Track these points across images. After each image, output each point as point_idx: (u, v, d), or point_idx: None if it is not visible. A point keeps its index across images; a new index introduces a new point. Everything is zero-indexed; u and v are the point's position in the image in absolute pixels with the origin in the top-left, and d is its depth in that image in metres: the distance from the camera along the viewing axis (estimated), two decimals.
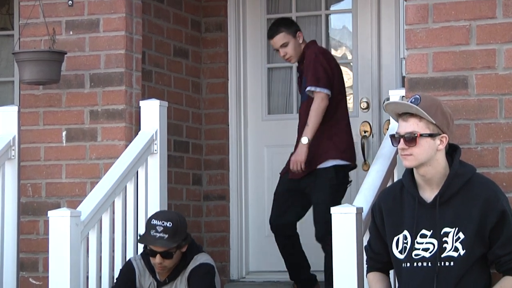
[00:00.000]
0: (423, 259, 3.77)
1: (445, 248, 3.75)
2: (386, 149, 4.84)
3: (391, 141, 3.95)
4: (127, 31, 5.91)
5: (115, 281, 5.12)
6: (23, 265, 5.88)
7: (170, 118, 6.10)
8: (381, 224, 3.98)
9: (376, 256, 4.02)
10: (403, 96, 4.80)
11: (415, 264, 3.79)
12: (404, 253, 3.83)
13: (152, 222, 4.93)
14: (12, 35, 7.44)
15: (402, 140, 3.82)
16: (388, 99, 5.05)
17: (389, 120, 5.42)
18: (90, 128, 5.91)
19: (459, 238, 3.75)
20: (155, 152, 5.68)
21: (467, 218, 3.77)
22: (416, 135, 3.80)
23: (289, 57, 6.06)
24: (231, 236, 6.94)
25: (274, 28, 6.06)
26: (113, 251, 5.30)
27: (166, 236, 4.87)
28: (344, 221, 4.25)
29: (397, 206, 3.91)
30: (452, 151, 3.94)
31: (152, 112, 5.74)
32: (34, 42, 5.98)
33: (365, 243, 4.22)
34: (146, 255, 5.02)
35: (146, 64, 6.32)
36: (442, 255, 3.75)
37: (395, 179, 4.83)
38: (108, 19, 5.92)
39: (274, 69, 7.13)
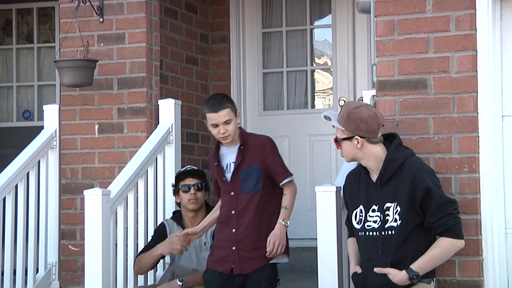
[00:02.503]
0: (373, 229, 3.90)
1: (388, 220, 3.86)
2: None
3: None
4: (147, 43, 5.90)
5: (149, 239, 5.18)
6: (64, 235, 5.88)
7: (183, 114, 6.10)
8: (347, 200, 4.13)
9: (350, 225, 4.13)
10: (373, 95, 4.80)
11: (367, 233, 3.92)
12: (360, 224, 3.95)
13: (184, 168, 5.24)
14: (54, 46, 7.42)
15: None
16: (361, 98, 5.05)
17: None
18: (117, 123, 5.90)
19: (397, 211, 3.85)
20: (171, 142, 5.67)
21: (401, 194, 3.86)
22: (335, 140, 4.04)
23: (227, 136, 4.46)
24: None
25: (220, 101, 4.49)
26: (137, 223, 5.30)
27: (196, 169, 5.19)
28: (326, 197, 4.27)
29: (356, 186, 4.04)
30: (393, 139, 4.03)
31: (168, 109, 5.73)
32: (71, 52, 5.96)
33: (344, 215, 4.25)
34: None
35: (163, 70, 6.31)
36: (386, 226, 3.86)
37: None
38: (132, 33, 5.90)
39: (268, 73, 7.11)
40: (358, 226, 3.98)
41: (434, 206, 3.83)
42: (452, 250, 3.88)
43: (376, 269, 3.85)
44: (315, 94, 7.07)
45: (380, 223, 3.89)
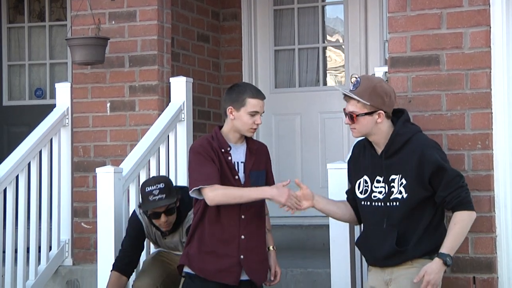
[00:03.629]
0: (378, 200, 3.85)
1: (393, 191, 3.81)
2: None
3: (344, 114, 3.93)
4: (159, 21, 5.86)
5: (124, 232, 4.76)
6: (76, 212, 5.89)
7: (194, 91, 6.07)
8: (351, 170, 4.07)
9: (351, 196, 4.05)
10: (385, 72, 4.75)
11: (373, 203, 3.86)
12: (365, 194, 3.90)
13: (147, 190, 4.46)
14: (65, 24, 7.39)
15: (347, 117, 3.87)
16: (373, 75, 5.01)
17: None
18: (129, 100, 5.88)
19: (402, 183, 3.80)
20: (182, 119, 5.65)
21: (408, 168, 3.79)
22: (353, 115, 3.83)
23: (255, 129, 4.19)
24: None
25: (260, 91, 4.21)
26: None
27: (164, 195, 4.44)
28: (338, 175, 4.34)
29: (360, 156, 3.97)
30: (401, 115, 3.95)
31: (180, 87, 5.71)
32: (83, 30, 5.94)
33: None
34: (148, 217, 4.58)
35: (174, 48, 6.28)
36: (391, 197, 3.82)
37: None
38: (143, 10, 5.87)
39: (280, 51, 7.07)
40: (362, 196, 3.92)
41: (446, 181, 3.79)
42: (470, 223, 3.82)
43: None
44: (327, 71, 7.03)
45: (385, 194, 3.84)
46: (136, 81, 5.86)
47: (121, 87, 5.88)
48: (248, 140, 4.11)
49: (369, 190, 3.89)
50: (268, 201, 4.08)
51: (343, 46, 6.90)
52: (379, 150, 3.89)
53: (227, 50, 6.98)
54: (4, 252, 5.23)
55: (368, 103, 3.80)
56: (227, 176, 3.97)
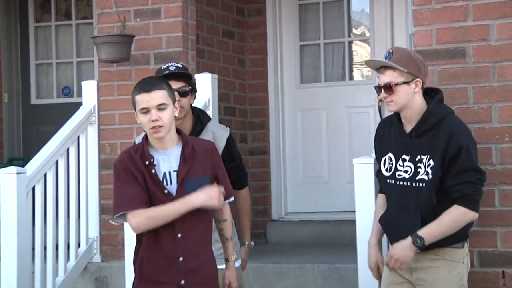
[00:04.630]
0: (403, 179, 3.71)
1: (419, 172, 3.67)
2: None
3: (376, 92, 3.79)
4: (183, 17, 5.88)
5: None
6: (104, 209, 5.92)
7: (220, 88, 6.07)
8: (377, 147, 3.92)
9: (379, 175, 3.91)
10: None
11: (398, 182, 3.72)
12: (389, 171, 3.76)
13: (163, 67, 4.04)
14: (91, 22, 7.44)
15: (382, 90, 3.71)
16: None
17: None
18: None
19: (430, 164, 3.65)
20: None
21: (436, 149, 3.64)
22: (392, 84, 3.68)
23: (160, 127, 3.44)
24: (271, 184, 6.94)
25: (154, 82, 3.54)
26: None
27: (181, 68, 4.02)
28: (364, 169, 4.35)
29: (386, 133, 3.83)
30: (435, 94, 3.80)
31: (205, 84, 5.71)
32: (108, 28, 5.97)
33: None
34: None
35: (199, 44, 6.29)
36: (417, 177, 3.67)
37: None
38: (168, 7, 5.88)
39: (305, 46, 7.06)
40: (387, 174, 3.77)
41: (458, 169, 3.60)
42: (462, 220, 3.62)
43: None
44: (353, 65, 7.00)
45: (411, 174, 3.69)
46: None
47: None
48: (191, 140, 3.52)
49: (393, 168, 3.75)
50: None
51: (369, 40, 6.87)
52: (408, 128, 3.73)
53: (252, 46, 6.98)
54: (33, 249, 5.28)
55: (406, 70, 3.67)
56: (154, 193, 3.41)
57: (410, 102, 3.69)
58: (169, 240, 3.41)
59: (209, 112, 5.64)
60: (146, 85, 3.45)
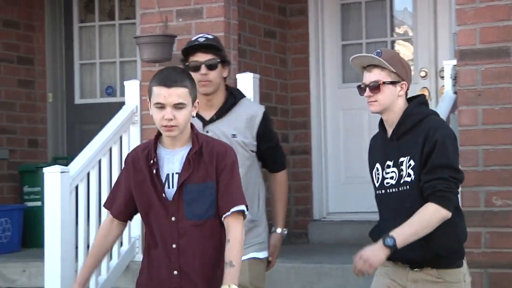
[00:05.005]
0: (391, 186, 3.51)
1: (402, 175, 3.47)
2: (441, 110, 4.74)
3: (358, 91, 3.60)
4: (225, 17, 5.90)
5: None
6: None
7: (261, 87, 6.08)
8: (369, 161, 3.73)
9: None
10: (454, 65, 4.68)
11: (387, 190, 3.52)
12: (377, 182, 3.58)
13: (192, 39, 3.87)
14: (134, 23, 7.51)
15: (367, 89, 3.53)
16: (442, 69, 4.95)
17: (443, 86, 5.31)
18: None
19: (410, 165, 3.45)
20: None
21: (416, 148, 3.46)
22: (379, 83, 3.50)
23: (173, 127, 3.17)
24: (313, 184, 6.93)
25: (177, 76, 3.20)
26: None
27: (210, 39, 3.85)
28: None
29: (374, 146, 3.68)
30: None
31: (247, 83, 5.72)
32: (151, 28, 6.02)
33: None
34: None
35: (241, 44, 6.31)
36: (401, 181, 3.47)
37: None
38: (210, 7, 5.91)
39: (347, 45, 7.03)
40: (377, 185, 3.58)
41: (431, 165, 3.40)
42: (434, 218, 3.36)
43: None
44: None
45: (396, 178, 3.50)
46: None
47: None
48: (204, 143, 3.20)
49: (380, 177, 3.56)
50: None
51: (412, 39, 6.82)
52: (390, 132, 3.57)
53: (294, 45, 6.98)
54: (77, 248, 5.35)
55: (394, 71, 3.51)
56: (150, 196, 3.16)
57: (393, 104, 3.53)
58: (164, 249, 3.14)
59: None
60: (167, 79, 3.13)
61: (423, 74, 6.64)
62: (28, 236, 6.90)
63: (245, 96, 3.94)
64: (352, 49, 7.01)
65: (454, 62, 4.68)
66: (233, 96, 3.84)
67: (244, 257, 3.42)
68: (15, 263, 5.92)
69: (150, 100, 3.19)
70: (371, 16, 6.92)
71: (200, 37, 3.86)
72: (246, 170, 3.77)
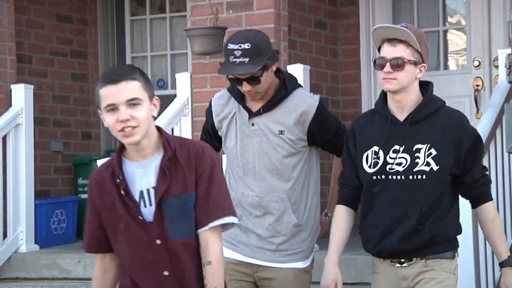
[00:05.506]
0: (396, 172, 3.22)
1: (417, 162, 3.20)
2: (495, 99, 4.68)
3: (374, 66, 3.30)
4: (275, 9, 5.89)
5: None
6: None
7: (312, 79, 6.07)
8: (353, 147, 3.36)
9: (347, 182, 3.38)
10: (509, 54, 4.60)
11: (390, 177, 3.22)
12: (375, 167, 3.25)
13: (228, 47, 3.45)
14: (185, 15, 7.55)
15: (388, 64, 3.21)
16: (496, 58, 4.87)
17: (498, 75, 5.23)
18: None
19: (431, 154, 3.20)
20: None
21: (440, 138, 3.21)
22: (404, 60, 3.19)
23: (133, 131, 2.69)
24: None
25: (123, 71, 2.74)
26: None
27: (247, 59, 3.40)
28: None
29: (368, 126, 3.33)
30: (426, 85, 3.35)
31: (297, 75, 5.66)
32: (201, 20, 6.04)
33: None
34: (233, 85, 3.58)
35: (291, 35, 6.30)
36: (414, 169, 3.20)
37: (503, 126, 4.67)
38: None
39: None
40: (371, 170, 3.26)
41: (477, 162, 3.25)
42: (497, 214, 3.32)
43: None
44: (448, 55, 6.87)
45: (407, 165, 3.21)
46: None
47: None
48: (177, 146, 2.71)
49: (380, 162, 3.24)
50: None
51: (465, 28, 6.73)
52: (399, 115, 3.26)
53: (344, 36, 6.94)
54: None
55: (420, 51, 3.22)
56: (128, 222, 2.67)
57: (410, 86, 3.24)
58: (158, 282, 2.69)
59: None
60: (112, 75, 2.64)
61: (476, 63, 6.54)
62: (83, 228, 7.00)
63: (299, 86, 3.66)
64: None
65: (509, 51, 4.61)
66: (285, 87, 3.55)
67: (286, 265, 3.26)
68: (70, 254, 6.02)
69: (100, 109, 2.68)
70: (423, 5, 6.84)
71: (235, 49, 3.39)
72: (293, 169, 3.51)
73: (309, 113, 3.52)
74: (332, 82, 6.85)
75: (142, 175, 2.69)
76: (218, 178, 2.69)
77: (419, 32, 3.28)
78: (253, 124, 3.50)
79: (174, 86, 6.86)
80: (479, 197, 3.28)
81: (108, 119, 2.65)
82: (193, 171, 2.66)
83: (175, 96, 6.08)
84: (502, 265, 3.26)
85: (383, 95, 3.33)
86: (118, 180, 2.67)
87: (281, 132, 3.48)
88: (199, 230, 2.67)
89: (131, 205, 2.67)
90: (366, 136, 3.31)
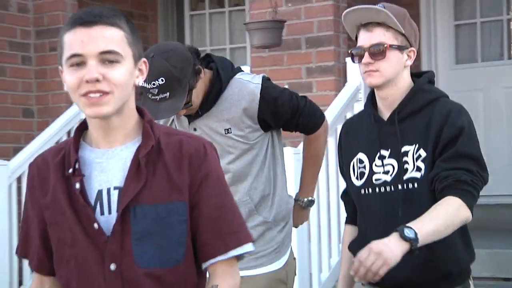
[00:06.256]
0: (384, 183, 2.59)
1: (407, 169, 2.55)
2: None
3: (352, 58, 2.70)
4: (334, 1, 5.89)
5: None
6: None
7: None
8: (340, 156, 2.82)
9: (348, 197, 2.81)
10: None
11: (376, 189, 2.60)
12: (361, 178, 2.65)
13: (143, 86, 2.83)
14: (243, 9, 7.59)
15: (366, 54, 2.59)
16: None
17: None
18: (306, 82, 5.96)
19: (420, 156, 2.55)
20: (359, 99, 5.62)
21: (426, 134, 2.56)
22: (385, 46, 2.57)
23: (105, 96, 1.84)
24: None
25: (101, 12, 1.90)
26: None
27: (168, 94, 2.83)
28: None
29: (353, 130, 2.75)
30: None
31: (356, 67, 5.70)
32: (260, 14, 6.07)
33: None
34: None
35: None
36: (404, 177, 2.55)
37: None
38: None
39: (460, 25, 6.88)
40: (358, 183, 2.65)
41: (455, 152, 2.50)
42: (458, 216, 2.45)
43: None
44: None
45: (395, 173, 2.57)
46: (312, 62, 5.92)
47: (298, 69, 5.97)
48: (161, 134, 1.92)
49: (366, 172, 2.64)
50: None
51: None
52: (387, 114, 2.65)
53: None
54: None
55: (403, 32, 2.61)
56: (73, 232, 1.87)
57: (398, 77, 2.62)
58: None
59: (360, 95, 5.58)
60: (86, 14, 1.84)
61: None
62: None
63: (237, 72, 3.07)
64: (465, 29, 6.85)
65: None
66: (219, 80, 3.00)
67: (259, 271, 2.87)
68: None
69: (61, 64, 1.87)
70: None
71: (151, 88, 2.82)
72: (250, 166, 3.01)
73: (253, 101, 2.97)
74: None
75: (104, 169, 1.88)
76: (227, 189, 1.93)
77: (399, 10, 2.68)
78: (195, 129, 3.01)
79: None
80: (444, 189, 2.49)
81: (69, 78, 1.83)
82: (186, 172, 1.87)
83: None
84: (396, 230, 2.36)
85: (372, 91, 2.73)
86: (71, 170, 1.87)
87: (228, 130, 2.98)
88: (206, 263, 1.90)
89: (82, 208, 1.86)
90: (350, 141, 2.75)
